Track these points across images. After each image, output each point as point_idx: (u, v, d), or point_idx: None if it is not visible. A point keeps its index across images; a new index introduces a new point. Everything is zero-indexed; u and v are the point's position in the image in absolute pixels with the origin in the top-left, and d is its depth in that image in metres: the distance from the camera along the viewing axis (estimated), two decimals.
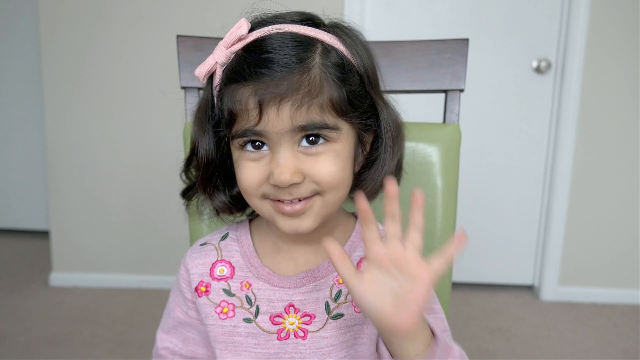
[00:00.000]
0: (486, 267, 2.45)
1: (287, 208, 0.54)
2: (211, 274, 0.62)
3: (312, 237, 0.60)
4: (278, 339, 0.59)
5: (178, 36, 0.83)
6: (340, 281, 0.60)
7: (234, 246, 0.63)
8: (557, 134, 2.29)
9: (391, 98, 0.62)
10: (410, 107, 2.39)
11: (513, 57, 2.28)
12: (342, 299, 0.60)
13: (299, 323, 0.59)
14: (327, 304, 0.59)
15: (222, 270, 0.62)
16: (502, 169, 2.37)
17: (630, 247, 2.34)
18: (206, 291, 0.61)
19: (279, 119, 0.51)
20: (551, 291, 2.37)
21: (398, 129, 0.61)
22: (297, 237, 0.60)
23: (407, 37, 2.25)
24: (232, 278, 0.61)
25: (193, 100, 0.85)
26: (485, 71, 2.28)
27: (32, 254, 2.69)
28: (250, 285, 0.60)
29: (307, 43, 0.54)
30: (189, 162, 0.62)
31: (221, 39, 0.83)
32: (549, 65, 2.25)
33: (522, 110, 2.33)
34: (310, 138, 0.53)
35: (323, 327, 0.59)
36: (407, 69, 0.85)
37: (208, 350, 0.66)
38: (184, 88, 0.84)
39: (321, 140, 0.54)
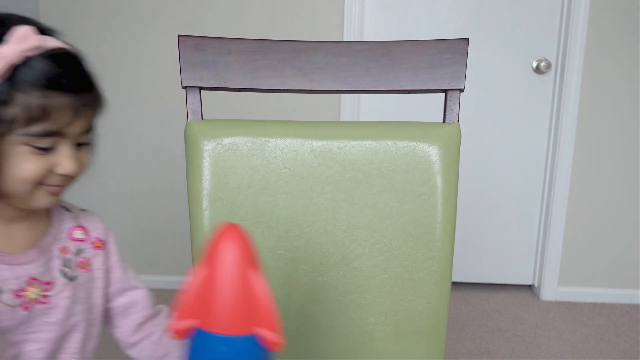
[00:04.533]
0: (486, 267, 2.46)
1: (57, 189, 0.66)
2: None
3: (30, 214, 0.70)
4: (23, 310, 0.67)
5: (179, 36, 0.83)
6: (64, 250, 0.73)
7: None
8: (557, 134, 2.29)
9: None
10: (411, 107, 2.40)
11: (513, 57, 2.28)
12: (72, 265, 0.73)
13: (40, 291, 0.69)
14: (63, 272, 0.72)
15: None
16: (502, 169, 2.38)
17: (630, 247, 2.34)
18: None
19: (81, 124, 0.64)
20: (551, 291, 2.37)
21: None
22: (17, 215, 0.68)
23: (407, 37, 2.25)
24: None
25: (194, 100, 0.85)
26: (485, 71, 2.28)
27: None
28: None
29: (86, 64, 0.66)
30: None
31: (222, 38, 0.84)
32: (549, 65, 2.26)
33: (522, 110, 2.33)
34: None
35: (64, 289, 0.71)
36: (407, 68, 0.85)
37: None
38: (185, 87, 0.84)
39: (86, 139, 0.67)
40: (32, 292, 0.68)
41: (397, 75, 0.86)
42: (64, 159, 0.63)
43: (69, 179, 0.67)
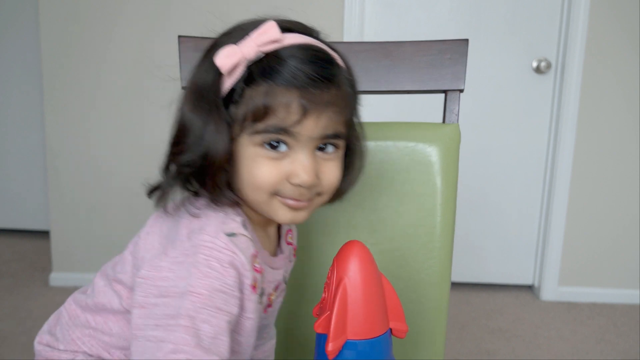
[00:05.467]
0: (486, 267, 2.45)
1: (294, 203, 0.60)
2: (254, 268, 0.60)
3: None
4: (264, 312, 0.68)
5: (179, 36, 0.83)
6: (286, 255, 0.72)
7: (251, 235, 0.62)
8: (557, 134, 2.29)
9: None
10: (410, 107, 2.39)
11: (513, 57, 2.28)
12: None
13: (276, 296, 0.70)
14: (284, 276, 0.72)
15: (257, 262, 0.61)
16: (502, 169, 2.37)
17: (630, 247, 2.34)
18: (254, 286, 0.60)
19: (316, 125, 0.57)
20: (551, 291, 2.37)
21: (365, 145, 0.70)
22: (264, 224, 0.67)
23: (407, 38, 2.25)
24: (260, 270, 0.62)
25: None
26: (485, 71, 2.28)
27: (32, 254, 2.69)
28: (261, 270, 0.63)
29: (330, 59, 0.60)
30: (177, 154, 0.61)
31: None
32: (549, 65, 2.25)
33: (522, 110, 2.33)
34: (321, 145, 0.60)
35: (280, 294, 0.72)
36: (407, 69, 0.85)
37: None
38: (184, 88, 0.84)
39: (331, 148, 0.61)
40: (274, 296, 0.68)
41: (397, 76, 0.86)
42: (298, 167, 0.58)
43: (308, 192, 0.60)
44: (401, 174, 0.84)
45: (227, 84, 0.58)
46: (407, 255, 0.84)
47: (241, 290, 0.58)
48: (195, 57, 0.83)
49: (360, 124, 0.69)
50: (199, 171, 0.59)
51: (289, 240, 0.74)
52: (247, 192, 0.60)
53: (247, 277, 0.58)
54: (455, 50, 0.84)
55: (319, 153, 0.60)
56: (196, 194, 0.63)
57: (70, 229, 2.34)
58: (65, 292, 2.27)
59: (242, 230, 0.60)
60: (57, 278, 2.35)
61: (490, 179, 2.38)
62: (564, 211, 2.33)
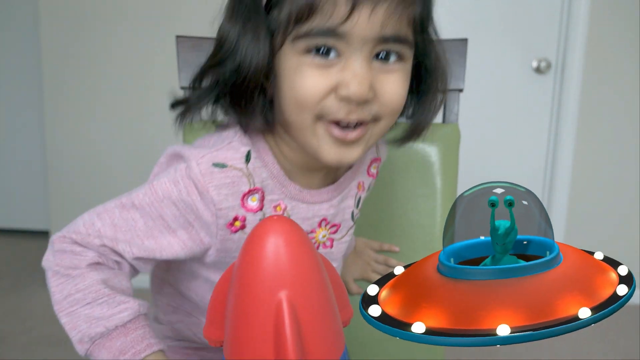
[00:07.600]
0: None
1: (340, 132, 0.50)
2: (243, 205, 0.53)
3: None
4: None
5: (177, 36, 0.83)
6: (360, 187, 0.61)
7: (261, 168, 0.54)
8: (557, 134, 2.29)
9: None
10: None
11: (513, 57, 2.28)
12: (359, 204, 0.63)
13: (327, 234, 0.60)
14: (352, 212, 0.62)
15: (254, 199, 0.54)
16: (502, 169, 2.37)
17: (631, 247, 2.34)
18: (242, 225, 0.53)
19: (370, 23, 0.47)
20: None
21: (447, 65, 0.57)
22: (318, 167, 0.59)
23: None
24: (263, 207, 0.54)
25: None
26: (485, 71, 2.28)
27: (32, 254, 2.69)
28: (284, 207, 0.56)
29: None
30: (211, 67, 0.54)
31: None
32: (549, 65, 2.25)
33: (522, 110, 2.33)
34: (381, 53, 0.50)
35: (346, 233, 0.62)
36: None
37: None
38: (183, 88, 0.84)
39: (393, 57, 0.51)
40: (320, 234, 0.59)
41: None
42: (347, 75, 0.48)
43: (359, 111, 0.49)
44: (401, 174, 0.84)
45: None
46: (407, 255, 0.84)
47: (204, 226, 0.54)
48: (193, 56, 0.83)
49: (436, 32, 0.55)
50: (234, 89, 0.51)
51: (372, 170, 0.63)
52: (290, 114, 0.50)
53: (221, 216, 0.53)
54: (454, 49, 0.84)
55: (378, 63, 0.50)
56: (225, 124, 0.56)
57: None
58: None
59: (237, 163, 0.53)
60: None
61: (489, 179, 2.38)
62: (564, 211, 2.33)
